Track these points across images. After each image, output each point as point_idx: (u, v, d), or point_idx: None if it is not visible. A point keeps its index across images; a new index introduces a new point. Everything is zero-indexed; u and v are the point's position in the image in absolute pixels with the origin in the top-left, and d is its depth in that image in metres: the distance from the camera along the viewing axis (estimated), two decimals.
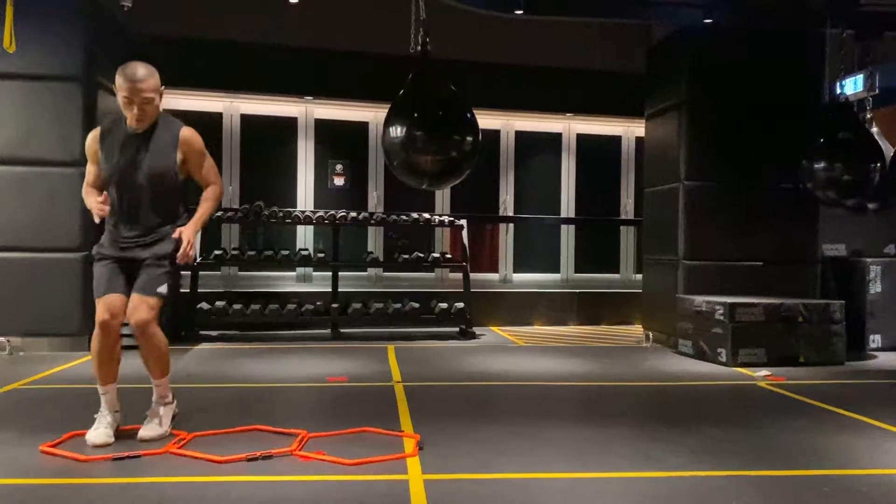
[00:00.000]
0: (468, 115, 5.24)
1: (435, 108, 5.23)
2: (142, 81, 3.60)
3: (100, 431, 3.63)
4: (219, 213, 7.91)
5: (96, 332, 3.66)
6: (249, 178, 9.51)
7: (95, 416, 3.73)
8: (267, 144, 9.64)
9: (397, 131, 5.11)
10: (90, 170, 3.79)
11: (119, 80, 3.62)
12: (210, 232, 8.69)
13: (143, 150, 3.69)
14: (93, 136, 3.78)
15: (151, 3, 7.54)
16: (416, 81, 5.31)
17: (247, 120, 9.57)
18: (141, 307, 3.62)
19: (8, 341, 6.32)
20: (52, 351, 6.38)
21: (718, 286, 7.01)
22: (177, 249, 3.64)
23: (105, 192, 3.66)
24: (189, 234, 3.65)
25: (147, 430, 3.71)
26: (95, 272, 3.77)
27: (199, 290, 7.69)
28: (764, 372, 5.93)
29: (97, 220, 3.65)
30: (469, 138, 5.20)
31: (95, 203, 3.57)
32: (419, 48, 5.30)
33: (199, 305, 7.56)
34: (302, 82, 9.01)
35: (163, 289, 3.68)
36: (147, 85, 3.62)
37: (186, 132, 3.79)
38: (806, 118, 7.11)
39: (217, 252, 7.85)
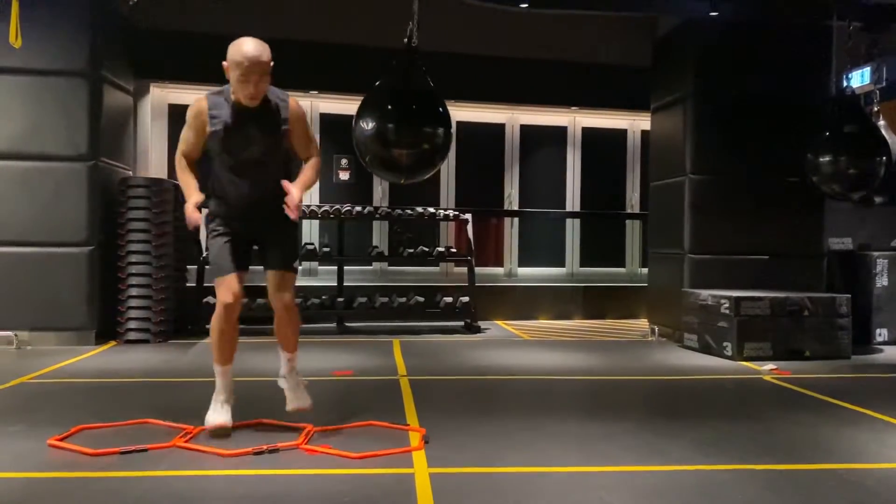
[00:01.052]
0: (440, 109, 5.22)
1: (409, 102, 5.20)
2: (259, 57, 3.53)
3: (219, 413, 3.75)
4: None
5: (220, 312, 3.75)
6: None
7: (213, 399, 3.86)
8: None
9: (369, 124, 5.08)
10: (189, 138, 3.72)
11: (235, 56, 3.53)
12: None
13: (256, 125, 3.65)
14: (199, 107, 3.68)
15: None
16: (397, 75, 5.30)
17: None
18: (284, 285, 3.73)
19: (15, 335, 6.35)
20: (59, 345, 6.41)
21: (724, 280, 7.00)
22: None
23: (199, 198, 3.61)
24: (297, 192, 3.61)
25: (300, 402, 3.88)
26: (212, 249, 3.78)
27: (204, 285, 7.70)
28: (769, 366, 5.92)
29: (191, 227, 3.65)
30: (441, 130, 5.18)
31: (193, 211, 3.57)
32: (412, 42, 5.29)
33: (205, 300, 7.58)
34: (307, 76, 8.98)
35: (297, 262, 3.80)
36: (264, 61, 3.56)
37: (293, 103, 3.78)
38: (812, 111, 7.07)
39: None
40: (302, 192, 3.65)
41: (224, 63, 3.59)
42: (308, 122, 3.90)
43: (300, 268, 9.28)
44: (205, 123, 3.66)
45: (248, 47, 3.54)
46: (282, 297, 3.73)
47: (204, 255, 7.75)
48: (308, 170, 3.81)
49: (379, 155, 5.12)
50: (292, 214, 3.57)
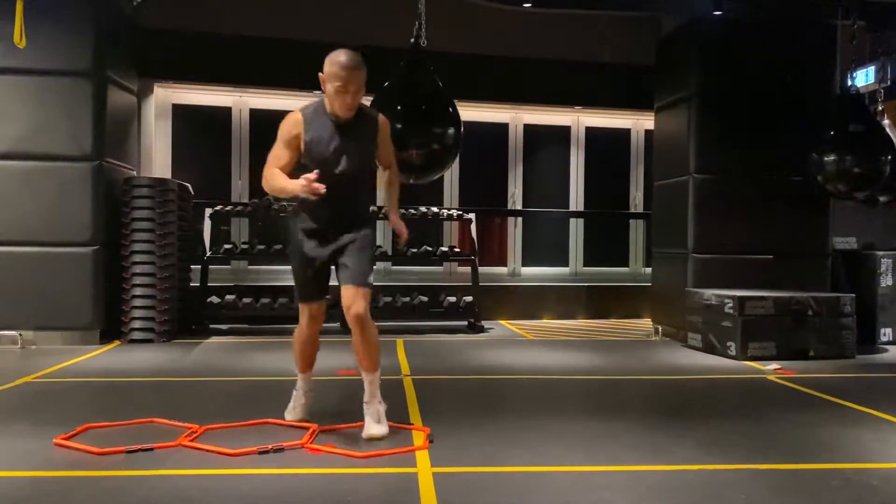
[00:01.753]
0: (450, 110, 5.24)
1: (419, 101, 5.21)
2: (357, 68, 3.54)
3: (297, 411, 3.99)
4: (228, 208, 7.94)
5: (301, 328, 3.93)
6: (259, 172, 9.44)
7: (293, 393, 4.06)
8: (276, 139, 9.63)
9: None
10: (281, 155, 3.66)
11: (333, 69, 3.52)
12: (220, 223, 8.73)
13: (350, 139, 3.64)
14: (294, 121, 3.65)
15: None
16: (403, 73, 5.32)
17: (256, 114, 9.58)
18: (358, 300, 3.62)
19: (20, 335, 6.37)
20: (64, 344, 6.43)
21: (728, 279, 6.99)
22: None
23: (301, 181, 3.46)
24: (402, 224, 3.81)
25: (374, 429, 3.65)
26: (295, 273, 3.86)
27: (209, 284, 7.73)
28: (773, 365, 5.92)
29: (312, 197, 3.43)
30: (451, 131, 5.19)
31: (307, 182, 3.37)
32: (418, 41, 5.30)
33: (209, 299, 7.60)
34: (310, 77, 8.97)
35: (372, 277, 3.73)
36: (362, 73, 3.56)
37: (383, 118, 3.81)
38: (816, 110, 7.06)
39: (227, 246, 7.89)
40: (398, 214, 3.90)
41: (320, 74, 3.58)
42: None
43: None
44: (299, 138, 3.62)
45: (346, 58, 3.53)
46: (353, 313, 3.61)
47: (207, 255, 7.77)
48: (393, 188, 3.93)
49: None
50: (404, 240, 3.81)
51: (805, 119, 7.07)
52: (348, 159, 3.64)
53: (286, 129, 3.67)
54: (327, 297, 3.90)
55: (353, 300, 3.61)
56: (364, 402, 3.75)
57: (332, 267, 3.79)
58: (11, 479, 3.09)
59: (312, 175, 3.40)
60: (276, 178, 3.60)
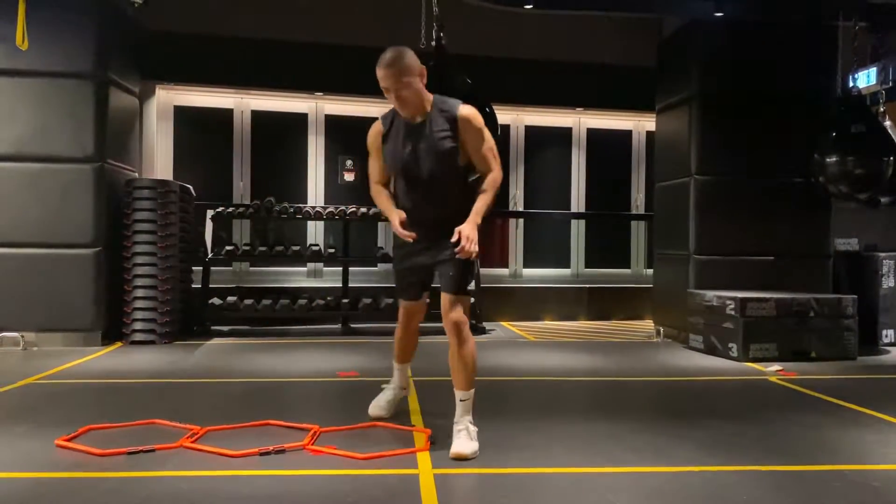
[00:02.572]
0: (487, 110, 5.19)
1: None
2: (390, 67, 3.35)
3: (381, 406, 4.07)
4: (230, 209, 7.95)
5: (399, 322, 4.00)
6: (260, 173, 9.55)
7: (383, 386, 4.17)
8: (277, 140, 9.67)
9: None
10: (373, 167, 3.67)
11: (377, 71, 3.40)
12: (221, 228, 8.74)
13: (422, 139, 3.47)
14: (375, 131, 3.62)
15: (162, 0, 7.58)
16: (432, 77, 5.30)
17: (257, 116, 9.60)
18: (455, 307, 3.49)
19: (22, 336, 6.38)
20: (66, 346, 6.44)
21: (730, 281, 6.98)
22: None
23: (402, 214, 3.50)
24: (468, 231, 3.38)
25: (464, 447, 3.38)
26: (396, 275, 3.89)
27: (210, 286, 7.73)
28: (775, 367, 5.91)
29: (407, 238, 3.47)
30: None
31: (397, 224, 3.47)
32: (433, 43, 5.27)
33: (210, 300, 7.61)
34: (312, 78, 9.00)
35: (470, 284, 3.62)
36: (395, 70, 3.35)
37: (465, 111, 3.48)
38: (818, 111, 7.06)
39: (228, 247, 7.89)
40: (475, 227, 3.42)
41: None
42: (484, 130, 3.51)
43: (306, 268, 9.33)
44: (379, 147, 3.60)
45: (381, 59, 3.38)
46: (451, 319, 3.48)
47: (209, 256, 7.78)
48: (483, 195, 3.50)
49: None
50: (463, 254, 3.40)
51: (806, 120, 7.07)
52: (424, 162, 3.47)
53: (370, 140, 3.65)
54: (426, 299, 3.91)
55: (451, 308, 3.48)
56: (454, 423, 3.51)
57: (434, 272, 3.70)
58: (13, 479, 3.10)
59: (402, 216, 3.49)
60: (379, 200, 3.67)
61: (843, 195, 6.82)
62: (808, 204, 7.18)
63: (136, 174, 7.62)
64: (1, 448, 3.52)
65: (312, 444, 3.53)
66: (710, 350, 6.59)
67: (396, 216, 3.50)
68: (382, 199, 3.65)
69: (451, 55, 5.36)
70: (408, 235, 3.46)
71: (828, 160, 6.65)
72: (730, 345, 6.34)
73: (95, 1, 6.59)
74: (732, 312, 6.31)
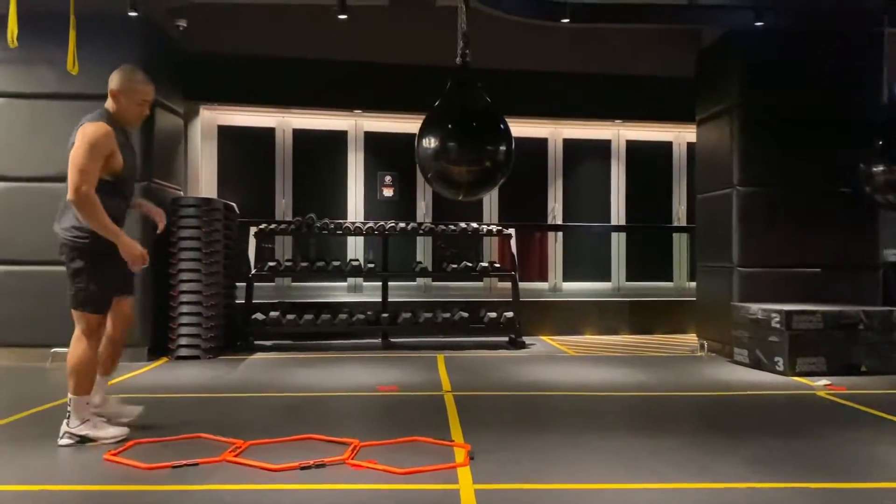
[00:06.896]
0: (501, 126, 5.24)
1: (469, 119, 5.23)
2: (152, 85, 4.07)
3: None
4: (272, 226, 8.07)
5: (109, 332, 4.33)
6: (301, 190, 9.69)
7: None
8: (318, 158, 9.81)
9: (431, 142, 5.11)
10: (93, 169, 3.83)
11: (138, 85, 4.05)
12: (264, 243, 8.87)
13: (132, 149, 4.17)
14: (108, 133, 3.93)
15: (204, 22, 7.77)
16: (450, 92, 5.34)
17: (298, 134, 9.76)
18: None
19: (52, 353, 6.48)
20: None
21: (775, 293, 6.85)
22: None
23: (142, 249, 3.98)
24: None
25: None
26: (107, 269, 3.98)
27: (253, 301, 7.85)
28: (824, 381, 5.77)
29: (137, 269, 3.98)
30: (503, 147, 5.20)
31: (140, 254, 3.93)
32: (465, 59, 5.31)
33: (253, 316, 7.72)
34: (351, 96, 9.15)
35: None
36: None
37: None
38: (863, 120, 6.90)
39: (271, 263, 8.01)
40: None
41: None
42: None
43: (346, 283, 9.41)
44: (113, 150, 3.99)
45: (143, 76, 4.20)
46: (130, 323, 4.33)
47: (252, 272, 7.90)
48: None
49: (441, 172, 5.15)
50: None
51: (851, 129, 6.92)
52: (136, 169, 4.35)
53: (101, 142, 3.95)
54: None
55: (132, 311, 4.39)
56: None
57: None
58: (64, 492, 3.19)
59: (144, 251, 4.09)
60: (104, 218, 3.90)
61: (890, 205, 6.66)
62: (854, 214, 7.02)
63: (182, 193, 7.79)
64: (52, 462, 3.63)
65: (353, 459, 3.56)
66: (755, 364, 6.47)
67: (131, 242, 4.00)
68: (124, 237, 3.97)
69: (485, 70, 5.39)
70: (145, 261, 4.00)
71: (874, 169, 6.52)
72: (776, 359, 6.21)
73: (141, 25, 6.78)
74: (778, 325, 6.19)
